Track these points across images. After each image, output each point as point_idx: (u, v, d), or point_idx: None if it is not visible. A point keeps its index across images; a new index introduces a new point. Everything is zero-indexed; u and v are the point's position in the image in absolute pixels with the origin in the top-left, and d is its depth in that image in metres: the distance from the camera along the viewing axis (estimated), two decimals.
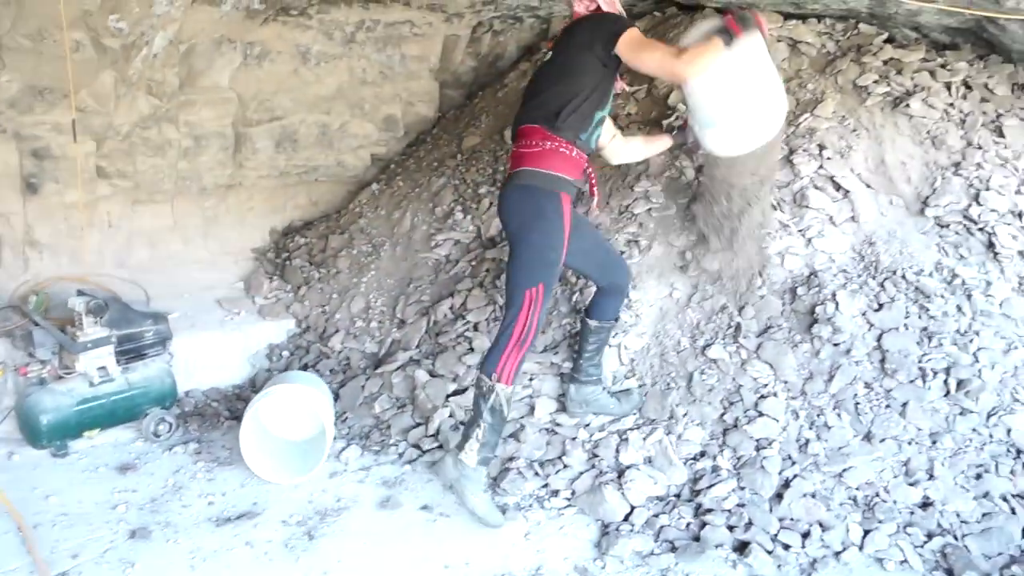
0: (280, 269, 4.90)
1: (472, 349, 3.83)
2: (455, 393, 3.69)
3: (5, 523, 2.98)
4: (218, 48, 4.75)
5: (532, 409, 3.54)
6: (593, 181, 3.25)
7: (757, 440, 3.21)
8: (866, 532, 2.82)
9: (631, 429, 3.38)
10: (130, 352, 3.65)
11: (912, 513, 2.87)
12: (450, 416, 3.60)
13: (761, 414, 3.29)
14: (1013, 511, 2.84)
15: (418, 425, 3.66)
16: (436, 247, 4.54)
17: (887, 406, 3.17)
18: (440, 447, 3.49)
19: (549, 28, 5.99)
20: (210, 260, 4.99)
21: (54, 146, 4.24)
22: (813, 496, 2.95)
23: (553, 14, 5.66)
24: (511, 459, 3.34)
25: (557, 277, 3.11)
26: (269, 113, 5.12)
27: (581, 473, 3.24)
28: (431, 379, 3.77)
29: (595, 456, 3.30)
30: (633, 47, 2.95)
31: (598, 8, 3.14)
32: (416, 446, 3.56)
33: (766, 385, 3.40)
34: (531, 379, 3.63)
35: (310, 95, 5.24)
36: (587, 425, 3.45)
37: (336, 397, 3.93)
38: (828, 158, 3.86)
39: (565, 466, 3.28)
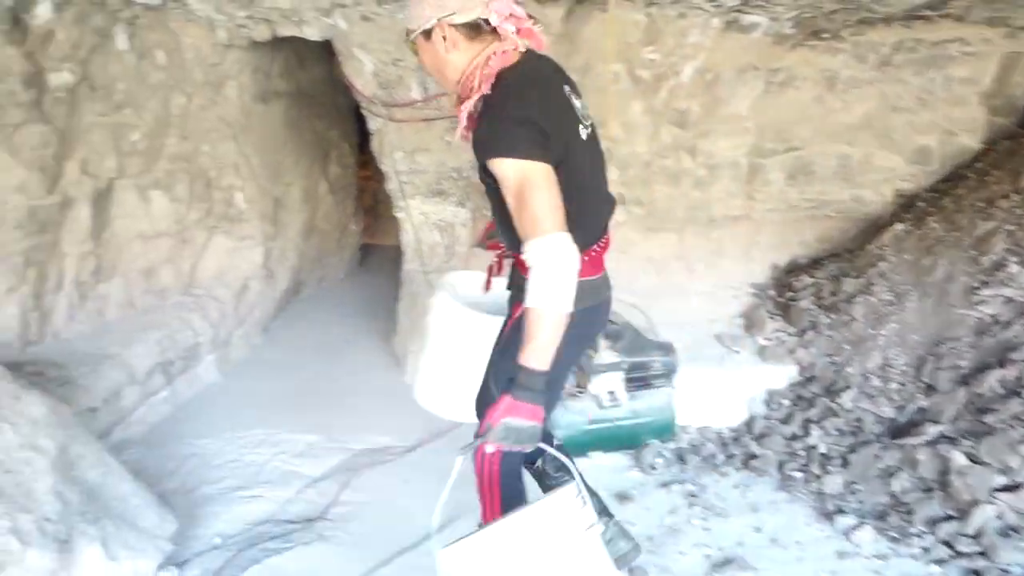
0: (783, 309, 4.59)
1: None
2: (1005, 489, 2.99)
3: None
4: (741, 76, 4.62)
5: None
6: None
7: None
8: None
9: None
10: (638, 380, 3.67)
11: None
12: (998, 517, 2.93)
13: None
14: None
15: (950, 518, 3.05)
16: (980, 303, 3.80)
17: None
18: (982, 554, 2.85)
19: None
20: (710, 292, 4.88)
21: None
22: None
23: None
24: None
25: None
26: (785, 143, 4.85)
27: None
28: (971, 465, 3.12)
29: None
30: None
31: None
32: (947, 543, 2.96)
33: None
34: None
35: (832, 124, 4.84)
36: None
37: (843, 463, 3.50)
38: None
39: None
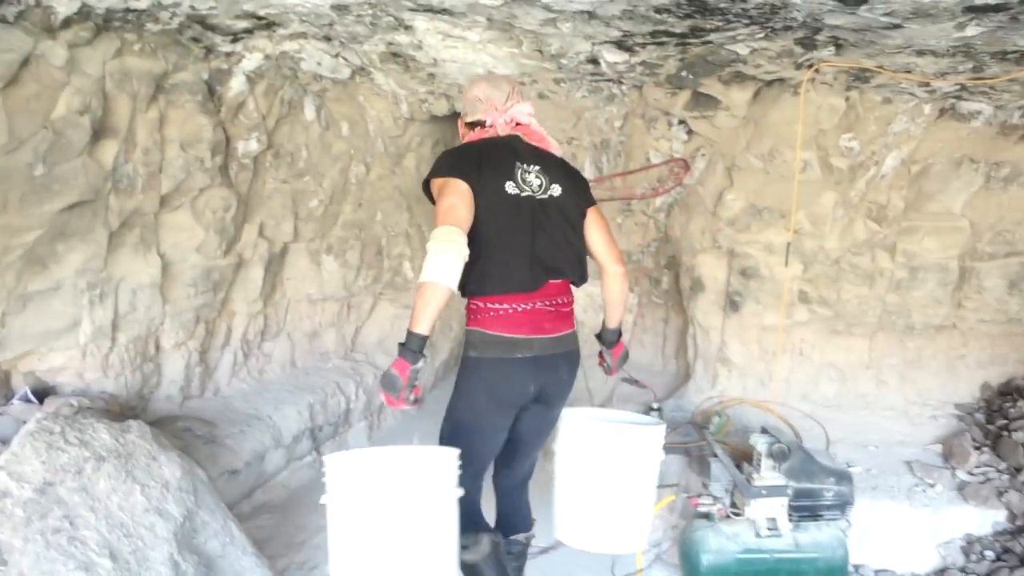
0: (994, 439, 3.91)
1: None
2: None
3: None
4: (956, 169, 4.10)
5: None
6: None
7: None
8: None
9: None
10: (804, 509, 3.20)
11: None
12: None
13: None
14: None
15: None
16: None
17: None
18: None
19: None
20: (903, 409, 4.28)
21: (762, 266, 4.12)
22: None
23: None
24: None
25: None
26: (1007, 246, 4.22)
27: None
28: None
29: None
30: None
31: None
32: None
33: None
34: None
35: None
36: None
37: None
38: None
39: None
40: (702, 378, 4.38)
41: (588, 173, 4.59)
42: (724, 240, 4.22)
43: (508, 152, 2.51)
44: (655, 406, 4.08)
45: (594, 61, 3.65)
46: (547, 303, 2.48)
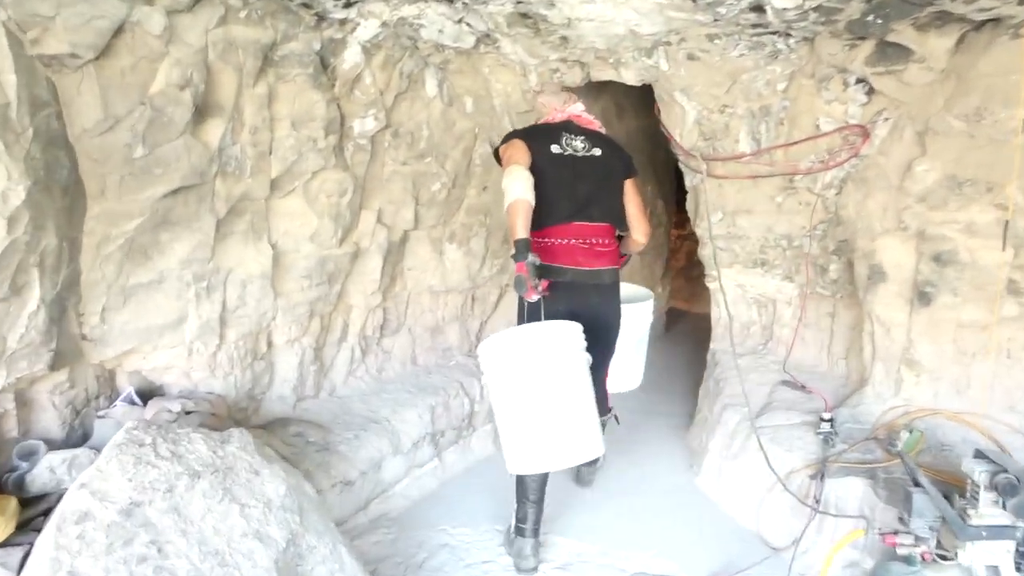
0: None
1: None
2: None
3: None
4: None
5: None
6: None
7: None
8: None
9: None
10: None
11: None
12: None
13: None
14: None
15: None
16: None
17: None
18: None
19: None
20: None
21: (962, 250, 3.41)
22: None
23: None
24: None
25: None
26: None
27: None
28: None
29: None
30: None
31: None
32: None
33: None
34: None
35: None
36: None
37: None
38: None
39: None
40: (882, 383, 3.70)
41: (744, 145, 3.99)
42: (912, 220, 3.53)
43: (559, 128, 3.30)
44: (826, 416, 3.48)
45: (758, 9, 3.07)
46: (582, 242, 3.15)
